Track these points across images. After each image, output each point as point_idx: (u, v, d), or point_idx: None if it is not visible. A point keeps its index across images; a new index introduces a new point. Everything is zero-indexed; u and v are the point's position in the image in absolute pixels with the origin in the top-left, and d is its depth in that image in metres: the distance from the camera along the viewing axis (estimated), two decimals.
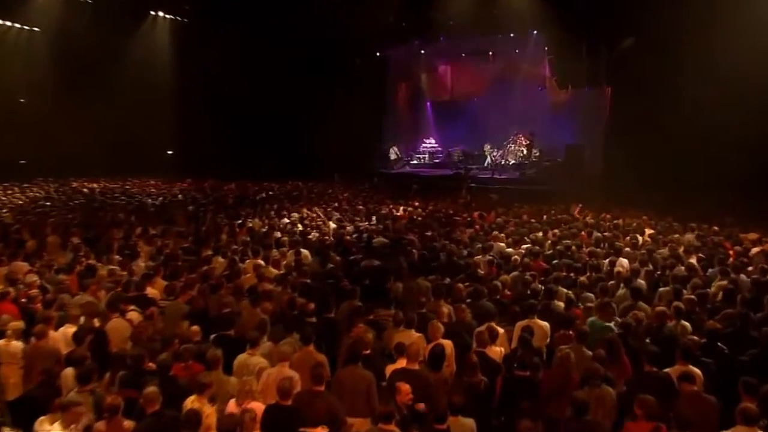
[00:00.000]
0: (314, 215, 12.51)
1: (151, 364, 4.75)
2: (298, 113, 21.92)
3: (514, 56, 23.00)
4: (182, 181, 20.87)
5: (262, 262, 8.05)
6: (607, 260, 8.15)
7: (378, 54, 24.07)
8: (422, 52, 24.45)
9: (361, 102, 20.82)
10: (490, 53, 23.64)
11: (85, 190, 17.91)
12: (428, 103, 26.26)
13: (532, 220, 11.79)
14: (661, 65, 15.18)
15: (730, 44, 12.66)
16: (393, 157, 24.77)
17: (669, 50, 14.74)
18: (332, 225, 11.53)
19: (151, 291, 6.65)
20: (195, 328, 5.52)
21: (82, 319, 5.74)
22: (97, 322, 5.71)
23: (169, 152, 25.20)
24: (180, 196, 16.37)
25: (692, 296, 6.26)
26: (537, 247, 8.97)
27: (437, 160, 24.58)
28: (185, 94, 22.36)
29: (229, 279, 7.15)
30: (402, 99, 26.04)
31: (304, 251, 8.80)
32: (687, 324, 5.65)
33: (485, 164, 22.07)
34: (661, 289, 6.80)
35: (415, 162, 24.74)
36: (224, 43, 20.45)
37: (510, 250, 9.09)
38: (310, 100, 21.58)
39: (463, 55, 24.36)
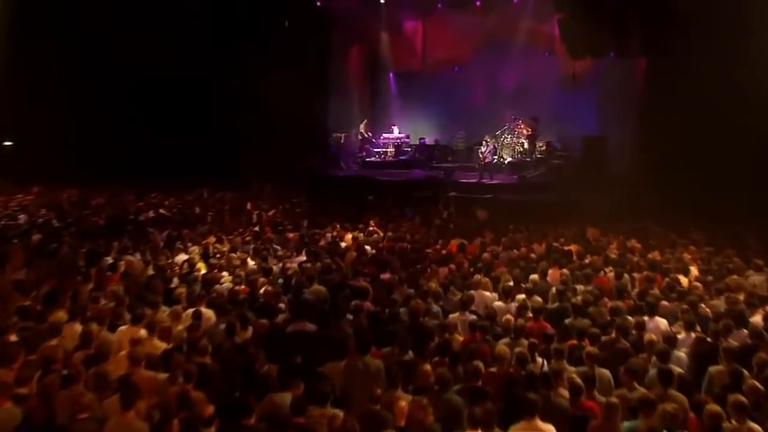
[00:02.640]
0: (225, 248, 12.41)
1: None
2: (202, 93, 22.08)
3: (511, 8, 23.59)
4: (25, 190, 20.31)
5: (143, 332, 7.92)
6: (637, 319, 8.32)
7: (318, 3, 24.08)
8: (382, 1, 24.69)
9: (293, 76, 20.98)
10: (477, 3, 24.17)
11: None
12: (391, 76, 26.61)
13: (532, 254, 11.97)
14: (717, 29, 15.74)
15: None
16: (360, 137, 25.19)
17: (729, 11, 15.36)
18: (251, 264, 11.46)
19: None
20: None
21: None
22: None
23: (7, 143, 24.81)
24: (20, 216, 15.90)
25: (758, 384, 6.26)
26: (538, 299, 9.09)
27: (403, 157, 24.80)
28: (31, 57, 22.25)
29: (89, 362, 6.99)
30: (353, 70, 26.29)
31: (206, 311, 8.70)
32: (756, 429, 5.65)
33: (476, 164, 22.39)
34: (712, 369, 6.92)
35: (371, 160, 24.88)
36: None
37: (499, 303, 9.21)
38: (220, 76, 21.76)
39: (440, 6, 24.86)
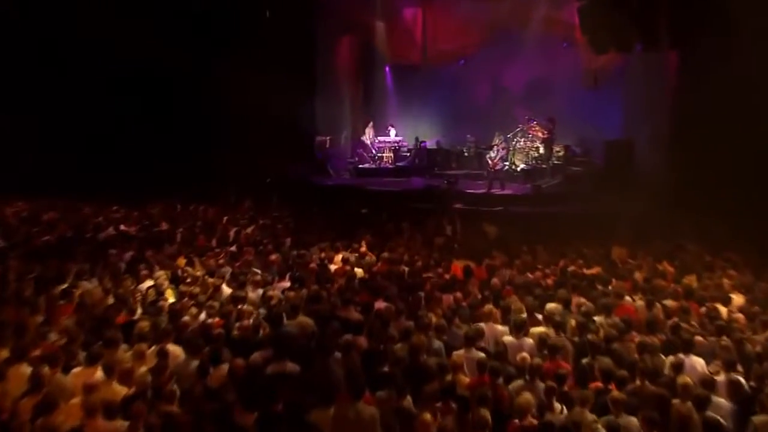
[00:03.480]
0: (197, 272, 12.34)
1: None
2: (171, 93, 22.30)
3: None
4: None
5: (100, 374, 7.85)
6: (670, 359, 8.27)
7: None
8: None
9: (275, 72, 21.16)
10: None
11: None
12: (387, 70, 26.73)
13: (549, 279, 11.91)
14: (762, 16, 15.72)
15: None
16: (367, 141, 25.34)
17: None
18: (226, 291, 11.40)
19: None
20: None
21: None
22: None
23: None
24: None
25: None
26: (555, 334, 9.05)
27: (401, 163, 24.83)
28: None
29: (36, 412, 6.92)
30: (343, 64, 26.39)
31: (174, 349, 8.64)
32: None
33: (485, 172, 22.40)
34: (757, 419, 6.89)
35: (365, 167, 24.92)
36: None
37: (511, 338, 9.16)
38: (192, 73, 21.79)
39: None
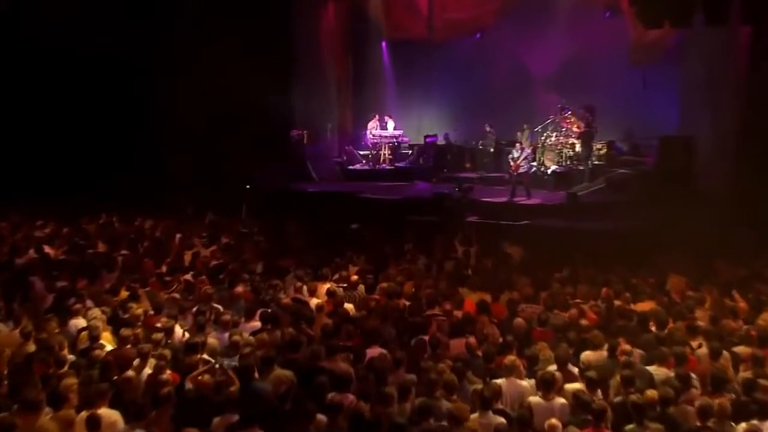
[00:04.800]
0: (142, 309, 12.24)
1: None
2: (110, 78, 22.38)
3: None
4: None
5: None
6: (742, 427, 8.19)
7: None
8: None
9: (241, 52, 21.22)
10: None
11: None
12: (383, 46, 26.72)
13: (586, 319, 11.80)
14: None
15: None
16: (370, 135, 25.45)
17: None
18: (179, 334, 11.32)
19: None
20: None
21: None
22: None
23: None
24: None
25: None
26: (593, 394, 8.95)
27: (401, 164, 24.82)
28: None
29: None
30: (328, 38, 26.38)
31: (110, 414, 8.55)
32: None
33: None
34: None
35: (356, 168, 24.88)
36: None
37: (537, 398, 9.06)
38: (137, 54, 22.03)
39: None
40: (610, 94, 22.37)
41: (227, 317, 11.94)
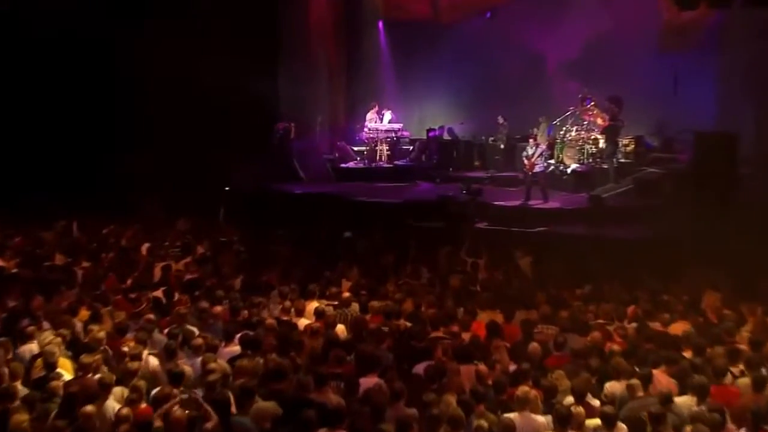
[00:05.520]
0: (104, 332, 12.18)
1: None
2: (71, 65, 22.52)
3: None
4: None
5: None
6: None
7: None
8: None
9: (221, 36, 21.49)
10: None
11: None
12: (380, 27, 26.88)
13: (608, 344, 11.69)
14: None
15: None
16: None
17: None
18: (150, 362, 11.27)
19: None
20: None
21: None
22: None
23: None
24: None
25: None
26: (620, 427, 8.90)
27: (401, 162, 24.99)
28: None
29: None
30: (318, 19, 26.41)
31: None
32: None
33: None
34: None
35: (349, 166, 24.94)
36: None
37: None
38: (104, 39, 22.11)
39: None
40: (638, 83, 22.38)
41: (202, 341, 11.91)
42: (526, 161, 21.43)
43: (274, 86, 24.43)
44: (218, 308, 13.45)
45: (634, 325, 12.64)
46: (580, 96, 22.88)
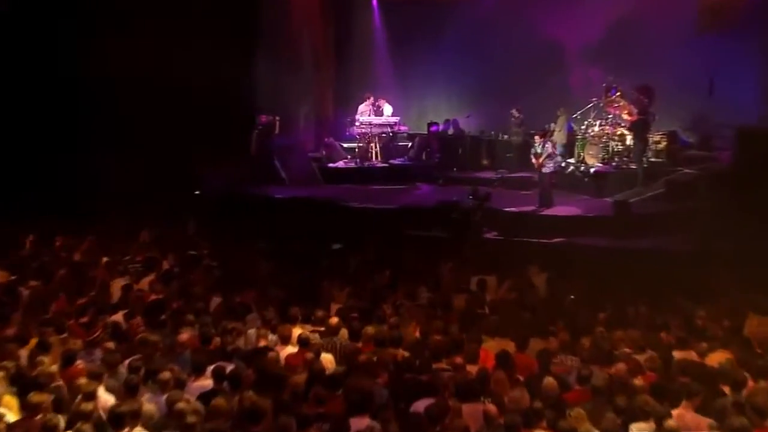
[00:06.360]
0: (55, 367, 12.20)
1: None
2: (16, 50, 22.46)
3: None
4: None
5: None
6: None
7: None
8: None
9: (188, 16, 21.50)
10: None
11: None
12: (374, 5, 27.09)
13: (636, 378, 11.67)
14: None
15: None
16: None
17: None
18: (104, 399, 11.27)
19: None
20: None
21: None
22: None
23: None
24: None
25: None
26: None
27: (398, 160, 25.30)
28: None
29: None
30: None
31: None
32: None
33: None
34: None
35: (338, 166, 24.95)
36: None
37: None
38: (54, 20, 22.26)
39: None
40: (671, 70, 22.44)
41: (169, 374, 11.91)
42: (534, 160, 21.37)
43: (250, 74, 24.44)
44: (187, 335, 13.43)
45: (664, 355, 12.61)
46: (604, 85, 22.94)
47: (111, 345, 13.09)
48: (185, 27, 21.23)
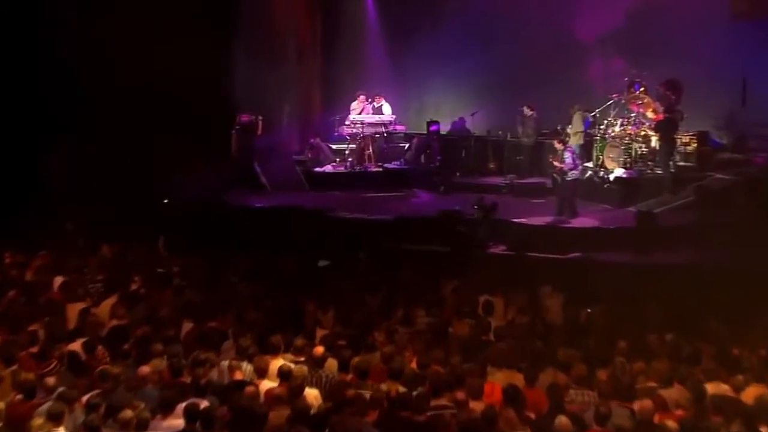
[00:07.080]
0: (8, 398, 12.18)
1: None
2: None
3: None
4: None
5: None
6: None
7: None
8: None
9: (170, 7, 21.43)
10: None
11: None
12: None
13: (662, 417, 11.71)
14: None
15: None
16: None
17: None
18: None
19: None
20: None
21: None
22: None
23: None
24: None
25: None
26: None
27: (393, 164, 25.41)
28: None
29: None
30: None
31: None
32: None
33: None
34: None
35: (326, 171, 24.97)
36: None
37: None
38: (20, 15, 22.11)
39: None
40: (701, 63, 22.39)
41: (132, 413, 11.89)
42: (555, 163, 21.31)
43: (227, 68, 24.41)
44: (147, 368, 13.39)
45: (695, 389, 12.57)
46: (626, 80, 22.92)
47: (67, 378, 13.08)
48: (154, 14, 21.16)
